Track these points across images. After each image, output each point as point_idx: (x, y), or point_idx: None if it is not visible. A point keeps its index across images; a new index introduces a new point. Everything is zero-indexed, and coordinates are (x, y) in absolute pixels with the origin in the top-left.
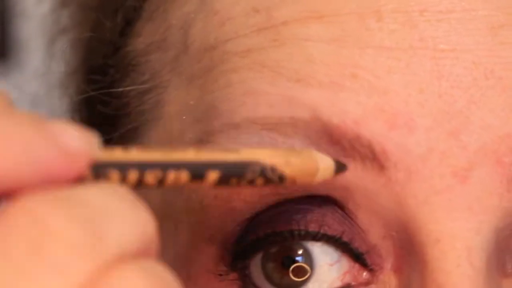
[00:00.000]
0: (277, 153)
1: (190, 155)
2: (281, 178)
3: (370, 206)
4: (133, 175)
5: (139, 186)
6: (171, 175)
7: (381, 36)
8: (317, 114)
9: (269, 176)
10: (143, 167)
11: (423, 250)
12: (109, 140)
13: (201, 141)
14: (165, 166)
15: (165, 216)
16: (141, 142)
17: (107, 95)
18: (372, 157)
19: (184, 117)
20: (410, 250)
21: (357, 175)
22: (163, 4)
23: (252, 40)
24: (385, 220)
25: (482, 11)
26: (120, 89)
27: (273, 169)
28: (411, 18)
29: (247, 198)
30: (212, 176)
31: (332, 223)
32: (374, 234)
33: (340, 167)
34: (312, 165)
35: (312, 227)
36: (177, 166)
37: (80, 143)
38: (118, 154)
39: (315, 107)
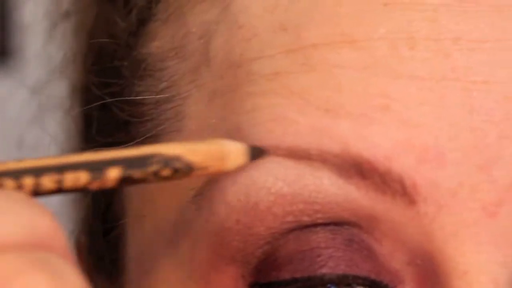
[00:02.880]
0: (181, 144)
1: (87, 155)
2: (189, 166)
3: (396, 235)
4: (28, 181)
5: (40, 192)
6: (69, 176)
7: (414, 65)
8: (347, 148)
9: (176, 166)
10: (37, 172)
11: (449, 281)
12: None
13: None
14: (60, 168)
15: (181, 233)
16: None
17: (122, 100)
18: (403, 192)
19: (205, 135)
20: (434, 280)
21: (386, 207)
22: (180, 8)
23: (280, 62)
24: (410, 248)
25: None
26: (139, 97)
27: (178, 158)
28: (444, 47)
29: (270, 224)
30: (114, 172)
31: (359, 261)
32: (398, 260)
33: (259, 153)
34: (219, 150)
35: (341, 270)
36: (74, 167)
37: None
38: (11, 164)
39: (345, 140)
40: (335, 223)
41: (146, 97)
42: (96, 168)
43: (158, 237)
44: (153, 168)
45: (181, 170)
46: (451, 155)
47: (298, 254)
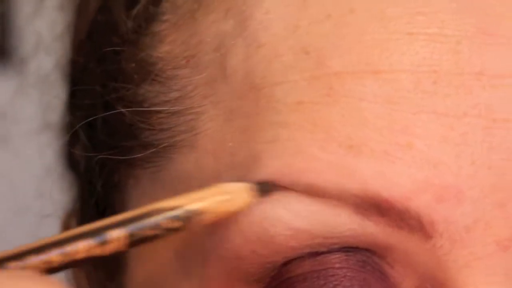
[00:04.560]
0: (182, 196)
1: (91, 225)
2: (194, 213)
3: (408, 261)
4: (34, 259)
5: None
6: (77, 246)
7: (436, 100)
8: (366, 187)
9: (180, 215)
10: (42, 249)
11: None
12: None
13: None
14: (65, 241)
15: (193, 249)
16: (173, 168)
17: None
18: (419, 228)
19: (221, 158)
20: None
21: (401, 240)
22: (191, 13)
23: (303, 90)
24: (420, 273)
25: None
26: (155, 108)
27: (176, 208)
28: (466, 82)
29: (287, 255)
30: (117, 233)
31: (372, 282)
32: (408, 284)
33: (268, 188)
34: (224, 192)
35: None
36: (79, 237)
37: None
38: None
39: (364, 179)
40: (349, 247)
41: (160, 108)
42: (101, 232)
43: (168, 249)
44: (152, 223)
45: (187, 218)
46: (469, 193)
47: (313, 273)
